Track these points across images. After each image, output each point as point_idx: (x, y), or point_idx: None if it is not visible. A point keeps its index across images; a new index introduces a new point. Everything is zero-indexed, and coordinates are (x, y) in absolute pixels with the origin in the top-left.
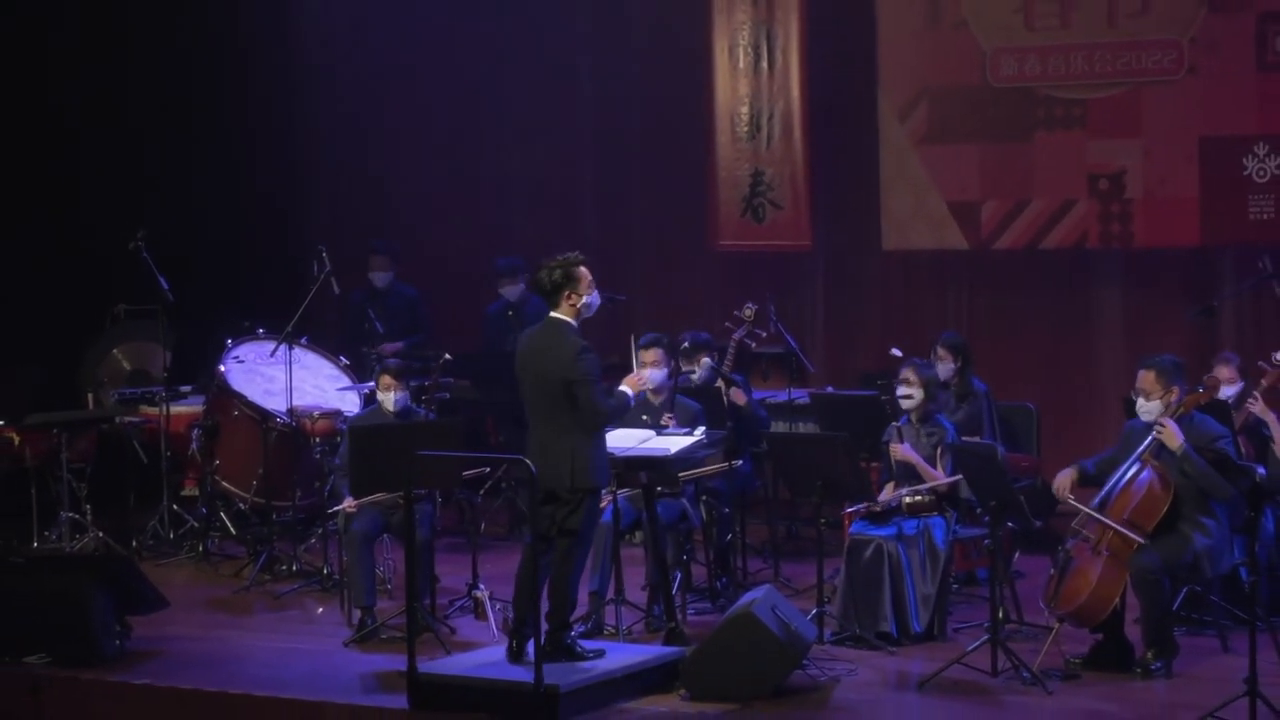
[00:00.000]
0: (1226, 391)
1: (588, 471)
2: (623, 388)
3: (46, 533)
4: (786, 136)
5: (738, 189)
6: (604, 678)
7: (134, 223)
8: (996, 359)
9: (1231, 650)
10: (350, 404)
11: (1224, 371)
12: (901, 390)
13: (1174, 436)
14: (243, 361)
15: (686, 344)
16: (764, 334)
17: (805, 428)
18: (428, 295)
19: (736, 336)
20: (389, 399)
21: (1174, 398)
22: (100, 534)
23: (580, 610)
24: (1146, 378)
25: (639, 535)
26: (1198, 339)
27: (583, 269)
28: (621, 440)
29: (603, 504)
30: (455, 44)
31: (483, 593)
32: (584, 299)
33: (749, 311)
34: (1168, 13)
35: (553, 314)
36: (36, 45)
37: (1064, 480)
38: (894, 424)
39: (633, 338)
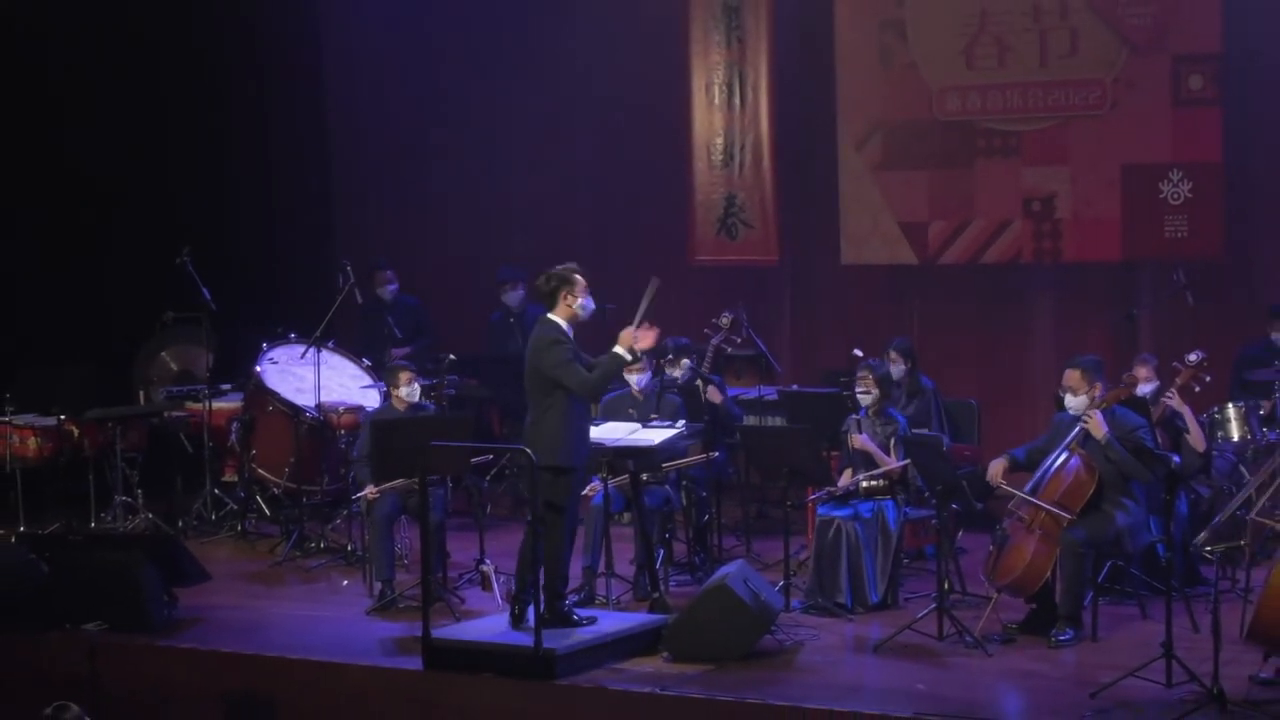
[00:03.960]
0: (1144, 388)
1: (566, 450)
2: (615, 349)
3: (103, 514)
4: (756, 164)
5: (713, 210)
6: (596, 641)
7: (180, 239)
8: (942, 360)
9: (1149, 618)
10: (372, 400)
11: (1142, 370)
12: (860, 388)
13: (1099, 427)
14: (276, 363)
15: (670, 348)
16: (739, 339)
17: (773, 421)
18: (435, 304)
19: (715, 341)
20: (414, 391)
21: (1097, 393)
22: (150, 515)
23: (575, 583)
24: (1072, 375)
25: (627, 517)
26: (1119, 343)
27: (578, 276)
28: (611, 432)
29: (592, 490)
30: (470, 78)
31: (488, 567)
32: (579, 300)
33: (726, 319)
34: (1093, 55)
35: (547, 314)
36: (86, 82)
37: (996, 468)
38: (853, 416)
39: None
